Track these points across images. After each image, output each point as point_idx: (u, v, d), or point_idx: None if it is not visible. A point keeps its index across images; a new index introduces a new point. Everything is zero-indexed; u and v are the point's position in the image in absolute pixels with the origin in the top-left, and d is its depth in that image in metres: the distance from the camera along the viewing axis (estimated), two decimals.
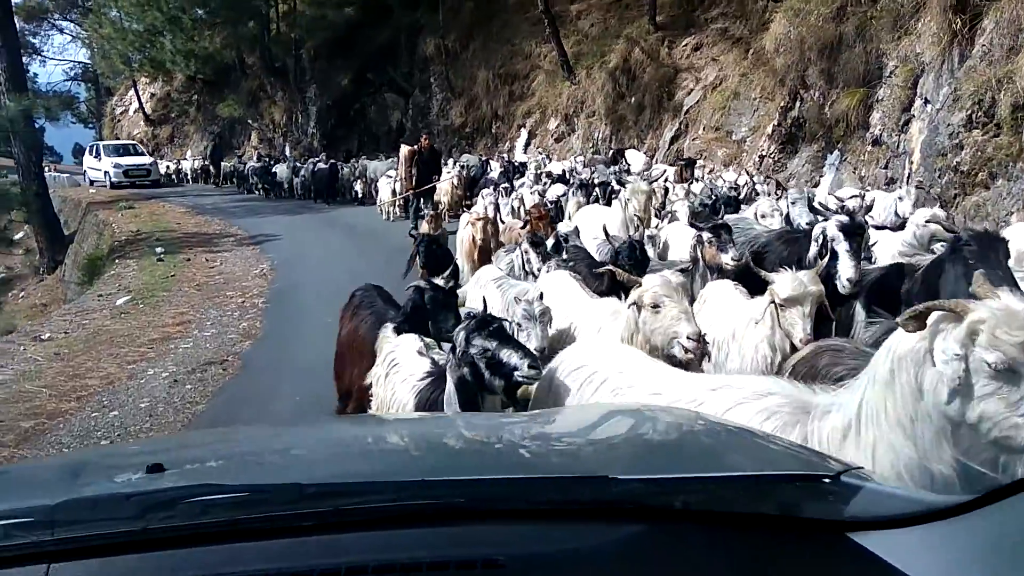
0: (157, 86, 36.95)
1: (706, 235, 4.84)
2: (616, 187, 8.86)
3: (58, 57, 44.61)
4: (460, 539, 1.15)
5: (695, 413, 2.25)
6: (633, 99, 16.09)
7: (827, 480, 1.23)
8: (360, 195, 19.61)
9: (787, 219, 6.33)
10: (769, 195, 8.05)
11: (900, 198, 6.56)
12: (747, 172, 10.33)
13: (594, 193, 9.22)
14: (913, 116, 8.06)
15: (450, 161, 16.59)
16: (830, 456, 1.60)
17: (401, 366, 3.46)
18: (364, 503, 1.18)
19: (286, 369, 6.35)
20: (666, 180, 10.19)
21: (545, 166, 14.74)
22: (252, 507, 1.16)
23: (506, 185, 11.52)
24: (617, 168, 11.93)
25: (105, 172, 27.04)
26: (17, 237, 24.15)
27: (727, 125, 13.53)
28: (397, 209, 15.87)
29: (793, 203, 6.38)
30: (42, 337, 8.05)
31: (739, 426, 2.00)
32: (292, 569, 1.08)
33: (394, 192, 15.80)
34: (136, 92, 37.23)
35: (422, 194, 13.07)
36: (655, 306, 3.23)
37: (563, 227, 6.99)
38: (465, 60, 22.50)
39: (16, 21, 36.10)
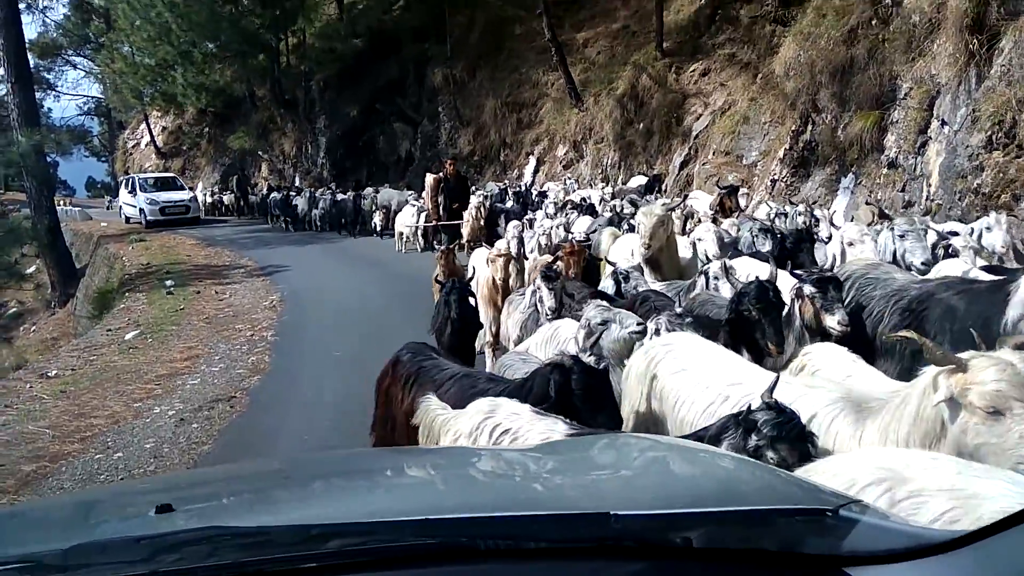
0: (169, 119, 37.37)
1: (808, 289, 3.86)
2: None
3: (72, 92, 45.41)
4: None
5: (697, 445, 2.23)
6: (641, 125, 16.05)
7: (828, 514, 1.23)
8: (380, 227, 18.73)
9: (894, 257, 5.15)
10: (810, 222, 7.38)
11: (988, 227, 5.43)
12: (791, 202, 9.21)
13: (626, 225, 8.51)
14: (930, 138, 7.91)
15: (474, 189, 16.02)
16: (829, 489, 1.58)
17: None
18: (367, 544, 1.19)
19: (294, 405, 6.21)
20: (696, 212, 9.16)
21: (567, 195, 13.98)
22: (258, 549, 1.17)
23: (531, 217, 10.66)
24: (655, 198, 11.27)
25: (140, 210, 24.68)
26: (29, 271, 24.26)
27: (737, 150, 13.45)
28: (420, 240, 15.27)
29: (902, 236, 5.13)
30: (49, 374, 7.95)
31: (741, 457, 1.96)
32: None
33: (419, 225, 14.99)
34: (148, 125, 37.66)
35: (450, 226, 12.32)
36: (995, 412, 2.19)
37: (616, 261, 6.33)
38: (473, 89, 22.65)
39: (30, 57, 36.83)
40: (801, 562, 1.19)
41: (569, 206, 11.48)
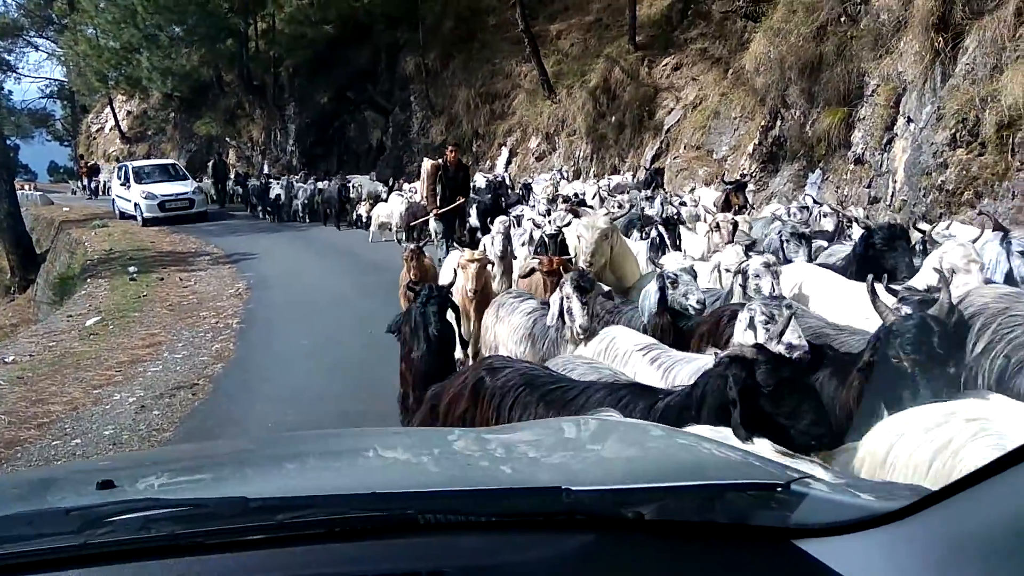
0: (133, 104, 36.59)
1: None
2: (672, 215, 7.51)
3: (33, 75, 44.14)
4: (407, 552, 1.14)
5: (651, 424, 2.24)
6: (613, 118, 16.08)
7: (778, 488, 1.24)
8: (365, 218, 16.90)
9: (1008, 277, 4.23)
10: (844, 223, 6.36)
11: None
12: (813, 199, 8.22)
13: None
14: (896, 135, 8.04)
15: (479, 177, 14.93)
16: (783, 464, 1.59)
17: None
18: (310, 516, 1.16)
19: (259, 393, 6.11)
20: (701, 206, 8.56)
21: (555, 189, 12.88)
22: (195, 522, 1.14)
23: (519, 212, 9.62)
24: (662, 193, 10.09)
25: (136, 204, 20.78)
26: None
27: (708, 144, 13.55)
28: (402, 233, 13.81)
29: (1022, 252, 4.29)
30: (6, 360, 7.73)
31: (695, 435, 1.98)
32: None
33: (413, 215, 13.33)
34: (112, 110, 36.83)
35: (447, 218, 10.75)
36: None
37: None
38: (445, 79, 22.48)
39: None
40: (751, 534, 1.20)
41: (560, 201, 10.75)
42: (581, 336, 3.92)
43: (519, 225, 8.47)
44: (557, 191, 12.54)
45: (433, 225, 10.84)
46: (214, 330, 8.73)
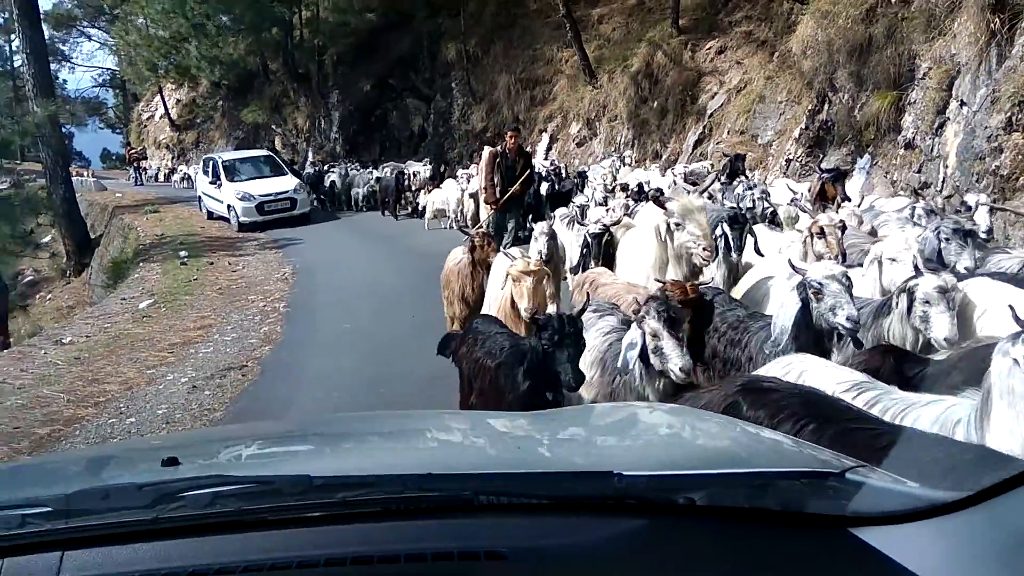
0: (183, 92, 37.33)
1: None
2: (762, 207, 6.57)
3: (87, 64, 45.55)
4: (463, 531, 1.17)
5: (702, 411, 2.22)
6: (656, 103, 15.89)
7: (832, 476, 1.23)
8: (421, 206, 16.14)
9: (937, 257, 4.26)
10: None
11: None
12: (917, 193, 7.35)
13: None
14: (948, 119, 7.81)
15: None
16: (838, 454, 1.54)
17: None
18: (370, 495, 1.19)
19: (305, 375, 6.27)
20: (801, 201, 6.78)
21: (614, 178, 11.72)
22: (260, 498, 1.18)
23: (585, 203, 8.54)
24: (748, 183, 8.47)
25: (229, 206, 17.66)
26: (45, 241, 24.45)
27: (752, 129, 13.32)
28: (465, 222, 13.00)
29: (947, 239, 4.27)
30: (63, 341, 8.05)
31: (749, 424, 1.96)
32: (298, 559, 1.10)
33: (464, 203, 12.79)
34: (162, 98, 37.66)
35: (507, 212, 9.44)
36: None
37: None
38: (486, 65, 22.44)
39: (45, 28, 36.78)
40: (805, 521, 1.19)
41: (618, 190, 9.64)
42: (683, 379, 3.13)
43: (582, 219, 7.37)
44: (616, 179, 11.40)
45: (486, 218, 9.69)
46: (262, 313, 8.95)
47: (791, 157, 11.49)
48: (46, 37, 39.67)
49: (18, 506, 1.18)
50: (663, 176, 10.94)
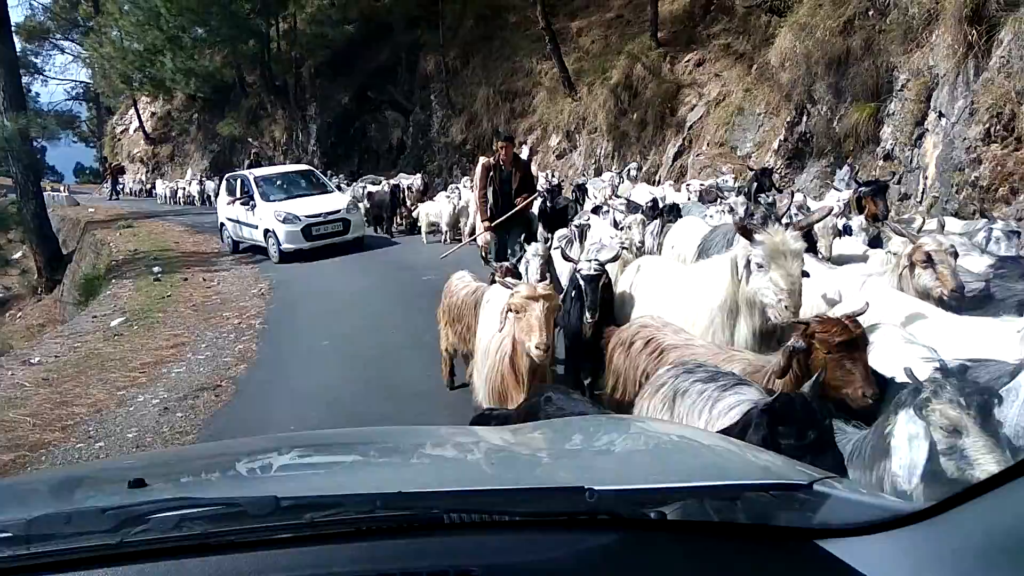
0: (157, 105, 36.95)
1: None
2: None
3: (60, 77, 44.89)
4: (434, 550, 1.17)
5: (673, 424, 2.22)
6: (635, 115, 15.94)
7: (800, 488, 1.25)
8: (417, 221, 15.39)
9: None
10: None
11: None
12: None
13: None
14: (927, 130, 7.85)
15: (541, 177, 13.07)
16: (805, 465, 1.57)
17: None
18: (339, 515, 1.18)
19: (281, 395, 6.10)
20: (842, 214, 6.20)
21: (613, 192, 10.60)
22: (226, 520, 1.17)
23: (587, 221, 7.18)
24: (782, 198, 6.81)
25: (268, 232, 14.00)
26: (15, 257, 23.98)
27: (732, 140, 13.37)
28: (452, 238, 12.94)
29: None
30: (31, 361, 7.80)
31: (717, 435, 1.96)
32: None
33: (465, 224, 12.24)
34: (136, 111, 37.23)
35: (504, 230, 8.17)
36: None
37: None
38: (465, 77, 22.46)
39: (17, 41, 36.22)
40: (773, 534, 1.21)
41: (621, 208, 8.03)
42: None
43: (580, 239, 6.52)
44: (614, 195, 10.07)
45: (482, 240, 8.64)
46: (237, 331, 8.74)
47: (771, 168, 11.53)
48: (18, 50, 39.14)
49: None
50: (678, 191, 9.81)
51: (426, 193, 16.41)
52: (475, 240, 9.01)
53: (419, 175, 18.02)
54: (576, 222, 7.44)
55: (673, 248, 6.06)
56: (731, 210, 6.52)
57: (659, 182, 14.49)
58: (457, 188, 15.00)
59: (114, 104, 40.26)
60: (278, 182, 15.42)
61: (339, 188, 16.97)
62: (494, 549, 1.17)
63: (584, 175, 16.88)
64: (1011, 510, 0.95)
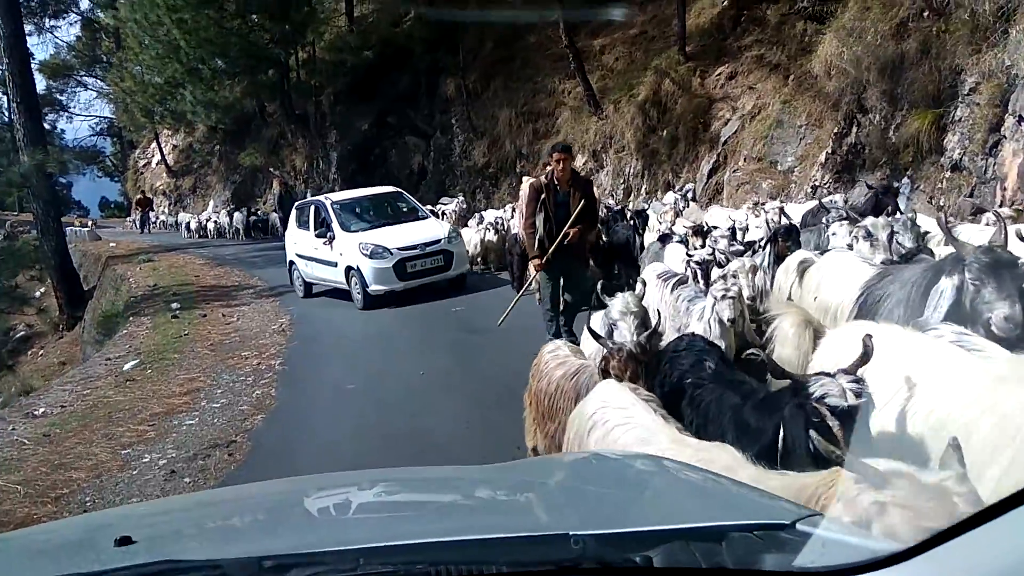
0: (179, 138, 37.06)
1: None
2: None
3: (84, 113, 45.31)
4: None
5: (656, 459, 2.19)
6: (665, 132, 15.34)
7: (784, 528, 1.25)
8: None
9: None
10: None
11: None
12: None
13: None
14: (1004, 137, 7.12)
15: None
16: (788, 501, 1.58)
17: None
18: (322, 573, 1.17)
19: (302, 452, 5.47)
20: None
21: (675, 214, 9.17)
22: None
23: (703, 258, 5.50)
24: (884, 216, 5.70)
25: (350, 269, 11.31)
26: (38, 294, 23.81)
27: (771, 155, 12.69)
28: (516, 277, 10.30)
29: None
30: (36, 413, 7.27)
31: (700, 469, 1.96)
32: None
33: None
34: (158, 144, 37.36)
35: (558, 267, 6.56)
36: None
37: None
38: (486, 100, 22.09)
39: (41, 79, 36.61)
40: None
41: (690, 234, 7.00)
42: None
43: (669, 287, 5.12)
44: (677, 220, 8.77)
45: (535, 282, 6.96)
46: (255, 372, 8.18)
47: (817, 183, 10.82)
48: (43, 88, 39.61)
49: None
50: (755, 215, 8.07)
51: (468, 218, 15.63)
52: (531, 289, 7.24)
53: (459, 198, 17.26)
54: (696, 256, 5.57)
55: (816, 298, 4.61)
56: (868, 236, 4.95)
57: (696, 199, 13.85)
58: (481, 215, 14.28)
59: (136, 138, 40.49)
60: (361, 208, 12.71)
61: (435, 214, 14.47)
62: None
63: (612, 195, 16.34)
64: (997, 546, 0.93)
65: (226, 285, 16.02)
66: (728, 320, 4.05)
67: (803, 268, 4.94)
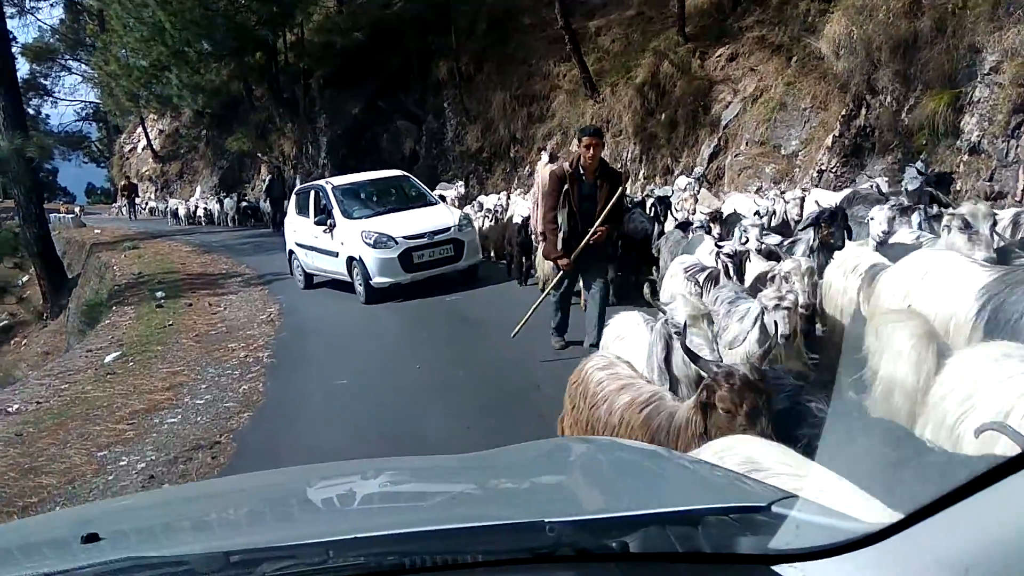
0: (165, 122, 36.40)
1: None
2: None
3: (69, 98, 44.47)
4: None
5: (626, 442, 2.15)
6: (664, 115, 14.98)
7: (759, 511, 1.25)
8: None
9: None
10: None
11: None
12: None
13: None
14: None
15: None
16: (764, 484, 1.51)
17: None
18: (291, 568, 1.14)
19: (289, 454, 5.12)
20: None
21: (693, 199, 8.60)
22: None
23: (737, 250, 5.09)
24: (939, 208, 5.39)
25: (352, 260, 10.41)
26: (21, 282, 23.30)
27: (774, 139, 12.35)
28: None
29: None
30: (9, 410, 6.87)
31: (677, 454, 1.95)
32: None
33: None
34: (144, 129, 36.68)
35: (582, 264, 6.08)
36: None
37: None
38: (480, 83, 21.64)
39: (25, 63, 35.84)
40: (734, 561, 1.19)
41: (711, 221, 6.50)
42: None
43: (738, 277, 4.64)
44: (695, 206, 8.27)
45: (544, 276, 6.48)
46: (242, 366, 7.81)
47: (823, 167, 10.49)
48: (27, 72, 38.84)
49: None
50: (787, 202, 7.24)
51: (465, 205, 15.08)
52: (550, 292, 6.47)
53: (459, 184, 16.77)
54: (726, 248, 5.05)
55: (910, 306, 3.69)
56: (965, 227, 4.12)
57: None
58: (480, 202, 13.76)
59: (122, 123, 39.77)
60: (364, 193, 11.69)
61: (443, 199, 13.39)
62: None
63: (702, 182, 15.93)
64: (974, 524, 0.90)
65: (213, 273, 15.59)
66: (783, 336, 3.45)
67: (875, 271, 4.22)
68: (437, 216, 10.80)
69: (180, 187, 34.92)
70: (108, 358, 8.77)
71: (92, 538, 1.30)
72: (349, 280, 10.66)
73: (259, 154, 30.21)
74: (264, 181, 24.85)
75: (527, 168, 19.22)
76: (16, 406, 6.94)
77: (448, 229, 10.41)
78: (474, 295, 9.84)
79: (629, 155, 15.86)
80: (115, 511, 2.11)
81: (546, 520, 1.19)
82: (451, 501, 1.68)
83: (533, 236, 8.73)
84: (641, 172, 15.33)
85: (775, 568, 1.12)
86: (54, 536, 1.68)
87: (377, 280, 10.02)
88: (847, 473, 1.67)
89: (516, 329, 6.53)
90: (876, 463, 2.23)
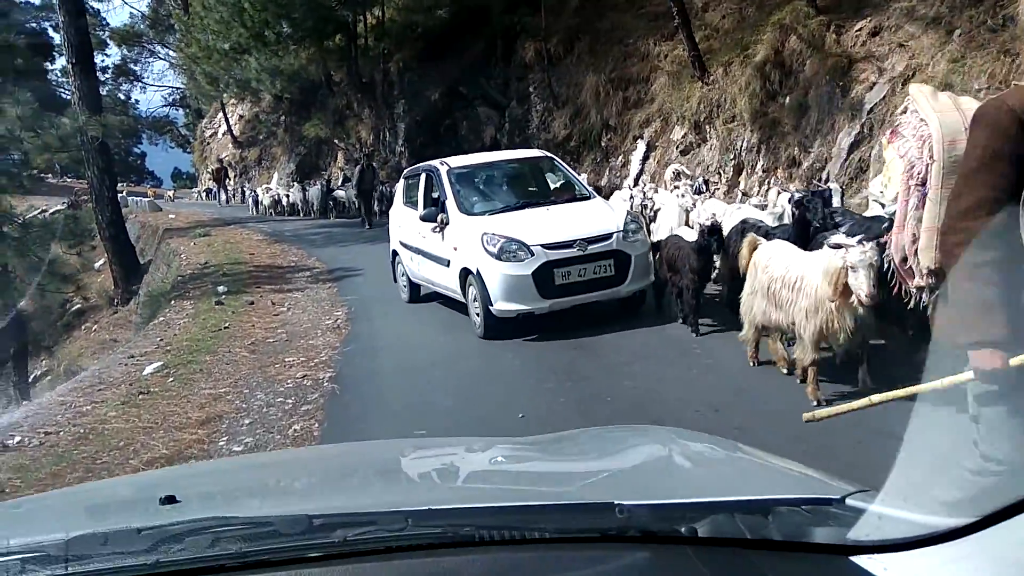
0: (245, 107, 36.14)
1: None
2: None
3: (157, 83, 45.08)
4: (465, 568, 1.16)
5: (705, 436, 2.16)
6: (789, 98, 13.01)
7: (833, 503, 1.22)
8: None
9: None
10: None
11: None
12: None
13: None
14: None
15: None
16: (835, 478, 1.45)
17: None
18: (371, 533, 1.17)
19: None
20: None
21: (707, 190, 7.43)
22: (261, 539, 1.17)
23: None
24: None
25: (466, 273, 7.53)
26: (98, 265, 22.93)
27: None
28: None
29: None
30: (8, 443, 5.58)
31: (748, 448, 1.92)
32: None
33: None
34: (224, 114, 36.50)
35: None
36: None
37: None
38: (569, 65, 20.04)
39: (114, 48, 36.03)
40: (807, 551, 1.17)
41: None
42: None
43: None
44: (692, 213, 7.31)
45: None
46: (298, 391, 6.39)
47: None
48: (118, 57, 39.22)
49: (17, 552, 1.16)
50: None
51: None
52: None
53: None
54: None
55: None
56: None
57: (827, 180, 11.67)
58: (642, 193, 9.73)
59: (204, 108, 39.84)
60: (491, 181, 8.74)
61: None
62: (525, 567, 1.16)
63: (721, 172, 14.17)
64: None
65: (281, 266, 14.47)
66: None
67: None
68: (592, 216, 7.73)
69: (258, 173, 34.57)
70: (148, 369, 7.52)
71: (170, 500, 1.32)
72: (463, 300, 7.84)
73: (336, 141, 29.47)
74: (350, 171, 23.36)
75: (619, 159, 17.53)
76: (18, 438, 5.64)
77: (609, 237, 7.27)
78: (633, 338, 6.97)
79: (745, 144, 13.90)
80: (191, 475, 2.24)
81: (616, 502, 1.19)
82: (525, 479, 1.72)
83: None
84: (759, 164, 13.40)
85: (853, 559, 1.10)
86: (131, 497, 1.75)
87: (500, 307, 7.11)
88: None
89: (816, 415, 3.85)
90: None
